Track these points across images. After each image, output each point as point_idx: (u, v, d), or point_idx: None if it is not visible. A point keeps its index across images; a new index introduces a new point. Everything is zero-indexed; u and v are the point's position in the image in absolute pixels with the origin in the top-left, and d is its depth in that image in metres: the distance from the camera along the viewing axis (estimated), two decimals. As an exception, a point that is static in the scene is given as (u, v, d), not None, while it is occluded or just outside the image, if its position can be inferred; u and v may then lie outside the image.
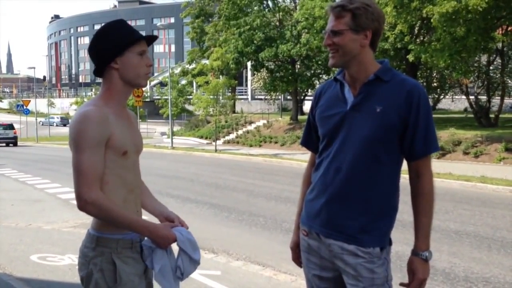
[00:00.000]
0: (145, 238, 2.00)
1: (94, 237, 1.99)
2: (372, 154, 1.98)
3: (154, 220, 2.14)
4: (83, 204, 1.87)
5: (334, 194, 2.03)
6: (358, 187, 1.99)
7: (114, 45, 1.96)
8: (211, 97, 23.93)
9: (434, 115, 2.13)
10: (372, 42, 2.01)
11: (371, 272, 1.98)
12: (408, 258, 2.04)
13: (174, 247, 2.04)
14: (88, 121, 1.88)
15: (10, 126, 30.79)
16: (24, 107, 37.66)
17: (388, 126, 1.95)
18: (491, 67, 22.58)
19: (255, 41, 25.48)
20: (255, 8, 26.93)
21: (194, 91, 34.43)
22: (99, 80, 2.03)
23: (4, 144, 29.88)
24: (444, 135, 17.11)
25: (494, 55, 21.77)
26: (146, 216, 2.19)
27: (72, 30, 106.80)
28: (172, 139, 26.25)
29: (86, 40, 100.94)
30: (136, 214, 2.05)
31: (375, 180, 1.99)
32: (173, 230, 2.02)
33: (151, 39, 2.07)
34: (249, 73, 42.22)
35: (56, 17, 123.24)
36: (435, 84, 25.88)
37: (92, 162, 1.87)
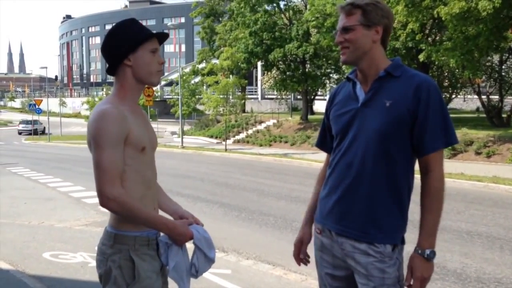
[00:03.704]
0: (162, 234, 2.02)
1: (112, 234, 2.01)
2: (383, 149, 1.97)
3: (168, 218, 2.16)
4: (106, 201, 1.89)
5: (345, 189, 2.04)
6: (369, 181, 1.99)
7: (127, 42, 1.99)
8: (221, 96, 23.96)
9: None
10: (383, 39, 2.04)
11: (382, 271, 1.97)
12: (410, 254, 2.02)
13: (188, 244, 2.05)
14: (106, 119, 1.91)
15: (35, 122, 42.29)
16: (36, 107, 37.98)
17: (397, 120, 1.95)
18: (503, 67, 22.36)
19: (264, 41, 25.46)
20: (265, 6, 26.85)
21: (205, 90, 34.50)
22: (110, 79, 2.07)
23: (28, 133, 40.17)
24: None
25: (507, 55, 21.55)
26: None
27: (83, 30, 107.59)
28: (182, 138, 26.33)
29: (98, 40, 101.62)
30: (154, 211, 2.08)
31: (386, 175, 1.98)
32: (190, 227, 2.05)
33: (162, 38, 2.09)
34: (259, 72, 42.24)
35: (68, 17, 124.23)
36: (446, 83, 25.69)
37: (113, 159, 1.90)
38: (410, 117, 1.95)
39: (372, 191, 1.99)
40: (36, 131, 40.02)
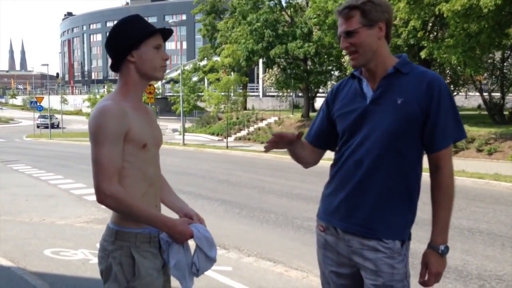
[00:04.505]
0: (163, 232, 2.01)
1: (113, 231, 2.00)
2: (393, 147, 1.97)
3: (173, 215, 2.15)
4: (103, 197, 1.88)
5: (354, 187, 2.02)
6: (379, 179, 1.98)
7: (130, 38, 1.99)
8: (222, 94, 23.97)
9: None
10: (386, 34, 2.02)
11: (391, 267, 1.97)
12: (424, 251, 2.03)
13: (191, 242, 2.04)
14: (106, 115, 1.90)
15: (49, 116, 43.82)
16: (38, 104, 38.03)
17: (410, 117, 1.95)
18: (505, 64, 22.32)
19: (265, 38, 25.42)
20: (267, 3, 26.82)
21: (206, 88, 34.49)
22: (112, 77, 2.06)
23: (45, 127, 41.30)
24: (457, 132, 16.90)
25: (509, 52, 21.50)
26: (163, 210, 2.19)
27: (84, 28, 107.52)
28: (183, 135, 26.34)
29: (99, 37, 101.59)
30: (155, 208, 2.07)
31: (397, 172, 1.98)
32: (191, 226, 2.03)
33: (167, 34, 2.08)
34: (261, 70, 42.19)
35: (69, 14, 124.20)
36: (448, 80, 25.67)
37: (111, 156, 1.89)
38: (422, 115, 1.94)
39: (382, 188, 1.99)
40: (53, 125, 42.61)
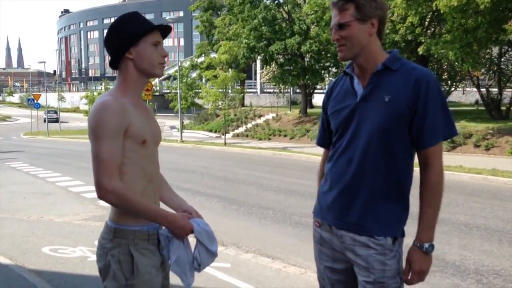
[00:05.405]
0: (163, 227, 2.01)
1: (112, 228, 2.00)
2: (383, 144, 1.97)
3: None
4: (104, 193, 1.88)
5: (346, 185, 2.03)
6: (370, 177, 1.99)
7: (128, 35, 1.99)
8: (220, 90, 23.93)
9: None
10: (379, 31, 2.01)
11: (383, 264, 1.97)
12: (409, 248, 2.03)
13: (191, 239, 2.04)
14: (106, 111, 1.89)
15: (55, 111, 49.97)
16: (35, 101, 37.92)
17: (397, 115, 1.94)
18: (502, 59, 22.33)
19: (264, 35, 25.36)
20: (264, 0, 26.76)
21: (204, 84, 34.43)
22: (109, 74, 2.06)
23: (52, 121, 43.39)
24: (454, 128, 16.93)
25: (506, 47, 21.52)
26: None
27: (81, 25, 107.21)
28: (181, 132, 26.31)
29: (96, 34, 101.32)
30: (154, 205, 2.07)
31: (387, 169, 1.98)
32: (191, 221, 2.03)
33: (165, 31, 2.07)
34: (258, 66, 42.15)
35: (66, 11, 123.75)
36: (445, 76, 25.67)
37: (111, 151, 1.88)
38: (410, 112, 1.94)
39: (373, 185, 1.99)
40: (58, 119, 45.09)
